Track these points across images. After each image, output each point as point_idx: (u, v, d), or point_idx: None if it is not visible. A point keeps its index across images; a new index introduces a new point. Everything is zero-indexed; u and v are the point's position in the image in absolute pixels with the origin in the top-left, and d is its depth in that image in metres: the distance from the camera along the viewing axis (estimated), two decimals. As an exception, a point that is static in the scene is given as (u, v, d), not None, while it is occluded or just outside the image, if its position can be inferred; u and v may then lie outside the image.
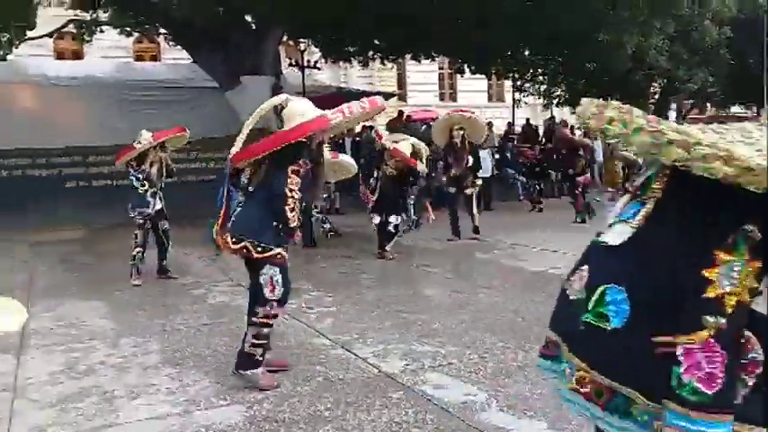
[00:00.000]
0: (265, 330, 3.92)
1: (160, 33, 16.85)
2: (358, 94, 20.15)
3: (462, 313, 5.59)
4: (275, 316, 3.95)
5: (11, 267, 8.46)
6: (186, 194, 12.73)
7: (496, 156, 16.66)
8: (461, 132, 9.45)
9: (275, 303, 3.86)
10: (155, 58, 23.56)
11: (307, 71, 16.80)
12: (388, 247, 8.43)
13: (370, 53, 16.83)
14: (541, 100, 23.09)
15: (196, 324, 5.47)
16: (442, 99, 30.54)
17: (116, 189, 11.67)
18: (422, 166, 8.56)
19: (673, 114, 24.56)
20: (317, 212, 9.72)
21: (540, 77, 20.84)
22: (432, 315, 5.56)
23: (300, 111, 3.88)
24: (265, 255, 3.80)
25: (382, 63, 18.56)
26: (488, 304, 5.91)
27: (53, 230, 11.40)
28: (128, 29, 15.53)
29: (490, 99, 32.06)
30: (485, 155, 14.66)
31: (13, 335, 5.29)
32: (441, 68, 29.21)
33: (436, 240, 9.63)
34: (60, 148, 12.75)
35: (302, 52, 17.04)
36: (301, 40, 16.65)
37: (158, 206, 7.18)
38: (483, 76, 21.75)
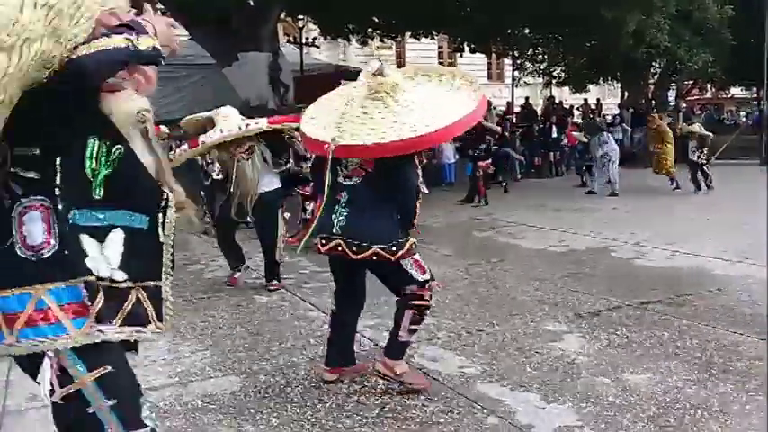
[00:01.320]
0: (426, 314, 3.48)
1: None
2: (357, 73, 20.07)
3: (458, 288, 5.61)
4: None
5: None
6: (181, 172, 12.69)
7: (495, 135, 16.65)
8: None
9: (427, 283, 3.39)
10: (152, 35, 23.37)
11: (305, 49, 16.69)
12: None
13: (369, 31, 16.71)
14: (541, 79, 22.99)
15: (192, 297, 5.48)
16: (441, 78, 30.33)
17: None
18: None
19: (672, 94, 24.49)
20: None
21: (541, 56, 20.73)
22: (428, 290, 5.57)
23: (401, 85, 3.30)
24: (403, 251, 3.29)
25: (381, 41, 18.46)
26: (484, 280, 5.92)
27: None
28: (124, 4, 15.40)
29: (490, 78, 31.93)
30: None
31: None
32: (440, 47, 29.03)
33: (432, 218, 9.64)
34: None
35: (300, 30, 16.94)
36: (300, 17, 16.53)
37: None
38: (482, 54, 21.62)
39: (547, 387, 3.46)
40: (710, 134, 12.69)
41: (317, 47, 19.49)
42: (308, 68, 14.67)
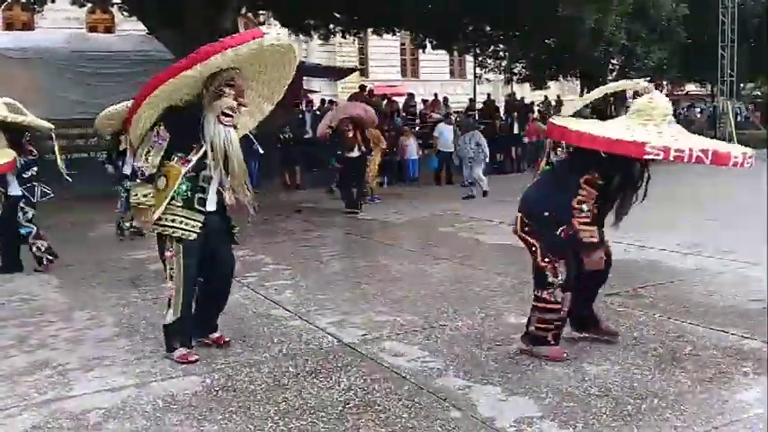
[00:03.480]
0: (548, 316, 3.70)
1: (114, 3, 16.38)
2: (319, 69, 19.94)
3: (420, 284, 5.63)
4: (559, 303, 3.66)
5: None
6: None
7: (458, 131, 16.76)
8: None
9: (559, 289, 3.65)
10: (109, 30, 22.88)
11: (266, 44, 16.53)
12: None
13: (331, 26, 16.65)
14: (502, 76, 23.23)
15: (151, 297, 5.39)
16: (403, 74, 30.48)
17: (68, 163, 11.34)
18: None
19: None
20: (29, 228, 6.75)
21: (501, 53, 20.93)
22: (391, 286, 5.59)
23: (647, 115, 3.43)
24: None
25: (343, 37, 18.38)
26: (446, 275, 5.96)
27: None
28: (80, -2, 15.03)
29: (452, 75, 32.11)
30: (447, 130, 14.70)
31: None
32: (402, 43, 29.09)
33: (395, 214, 9.67)
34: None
35: (260, 25, 16.78)
36: (260, 12, 16.37)
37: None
38: (444, 51, 21.71)
39: (508, 379, 3.50)
40: None
41: (279, 42, 19.30)
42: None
